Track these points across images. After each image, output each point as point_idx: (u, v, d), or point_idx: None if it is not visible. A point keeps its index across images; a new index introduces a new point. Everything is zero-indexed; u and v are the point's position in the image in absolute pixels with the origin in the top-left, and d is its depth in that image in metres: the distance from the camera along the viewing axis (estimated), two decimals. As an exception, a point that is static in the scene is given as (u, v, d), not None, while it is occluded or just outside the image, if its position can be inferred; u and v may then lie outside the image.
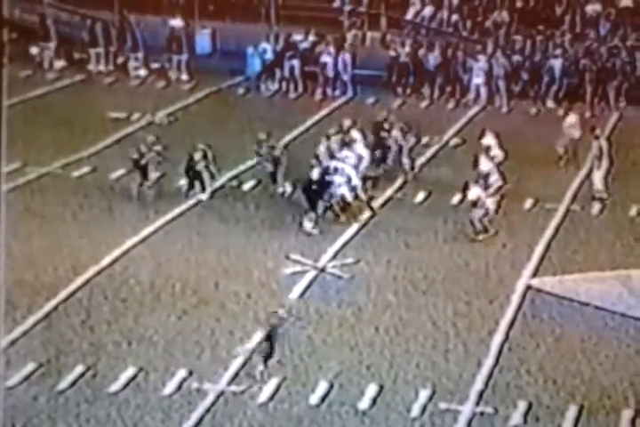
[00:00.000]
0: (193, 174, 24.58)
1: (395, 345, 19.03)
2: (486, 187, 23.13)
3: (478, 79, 32.25)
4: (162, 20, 34.81)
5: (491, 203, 23.15)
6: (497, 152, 25.36)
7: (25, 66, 33.38)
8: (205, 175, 24.60)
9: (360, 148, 24.94)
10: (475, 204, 22.97)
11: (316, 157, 24.69)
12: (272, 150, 25.19)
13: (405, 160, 25.85)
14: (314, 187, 23.16)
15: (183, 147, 25.48)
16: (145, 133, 26.05)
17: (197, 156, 24.44)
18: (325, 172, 23.41)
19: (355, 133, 25.39)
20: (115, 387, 17.54)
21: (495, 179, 23.37)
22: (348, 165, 23.69)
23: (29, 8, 35.31)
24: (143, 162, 24.73)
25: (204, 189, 24.58)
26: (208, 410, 17.07)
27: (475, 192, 22.94)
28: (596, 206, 25.05)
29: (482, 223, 22.97)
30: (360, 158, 24.52)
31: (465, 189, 23.23)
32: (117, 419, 16.73)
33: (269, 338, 17.76)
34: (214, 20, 35.61)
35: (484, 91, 32.30)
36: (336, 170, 23.45)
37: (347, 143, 24.96)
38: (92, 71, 33.89)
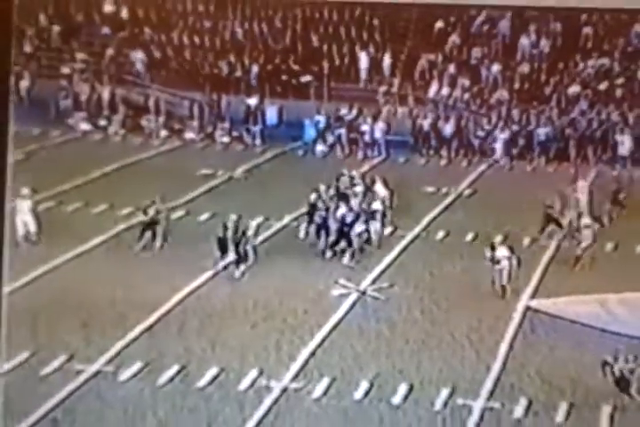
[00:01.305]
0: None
1: (421, 353, 18.95)
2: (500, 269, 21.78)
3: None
4: (240, 99, 35.25)
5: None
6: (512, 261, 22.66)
7: (138, 134, 33.73)
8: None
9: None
10: (498, 262, 21.75)
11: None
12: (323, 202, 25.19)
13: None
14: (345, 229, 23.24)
15: (256, 198, 25.48)
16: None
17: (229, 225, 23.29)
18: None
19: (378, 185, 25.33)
20: (202, 383, 17.54)
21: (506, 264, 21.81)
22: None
23: (143, 91, 35.88)
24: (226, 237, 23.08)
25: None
26: (274, 403, 17.02)
27: (502, 251, 21.79)
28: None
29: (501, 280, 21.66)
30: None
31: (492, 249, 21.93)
32: (204, 409, 16.71)
33: None
34: (281, 99, 35.95)
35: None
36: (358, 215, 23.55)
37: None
38: (188, 139, 34.11)
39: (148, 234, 23.38)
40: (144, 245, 23.07)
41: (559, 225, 24.75)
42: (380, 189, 25.23)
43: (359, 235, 23.25)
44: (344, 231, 23.24)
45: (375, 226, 23.75)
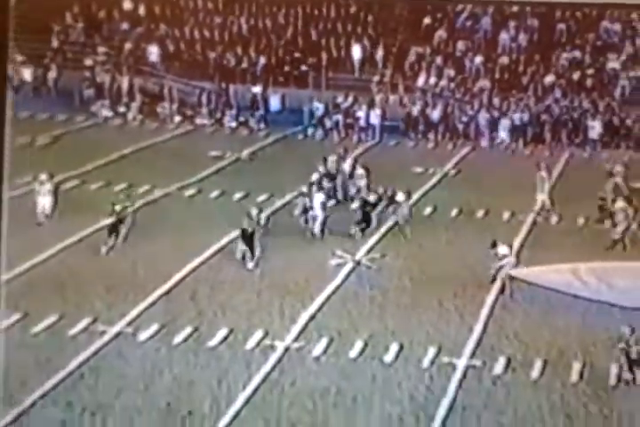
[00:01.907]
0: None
1: (411, 316, 18.91)
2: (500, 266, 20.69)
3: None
4: (246, 88, 35.15)
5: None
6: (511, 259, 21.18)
7: (154, 120, 33.60)
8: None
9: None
10: (502, 257, 20.69)
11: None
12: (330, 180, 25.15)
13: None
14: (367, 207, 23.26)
15: (260, 177, 25.33)
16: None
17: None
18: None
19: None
20: (212, 343, 17.51)
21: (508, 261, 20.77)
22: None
23: (158, 81, 35.81)
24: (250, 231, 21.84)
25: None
26: (278, 361, 17.00)
27: (503, 249, 20.83)
28: (554, 218, 24.86)
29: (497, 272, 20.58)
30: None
31: (494, 246, 20.89)
32: (215, 366, 16.70)
33: None
34: (283, 88, 35.82)
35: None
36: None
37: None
38: (199, 124, 34.00)
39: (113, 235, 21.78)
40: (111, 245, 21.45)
41: (611, 216, 24.12)
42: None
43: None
44: (365, 211, 23.27)
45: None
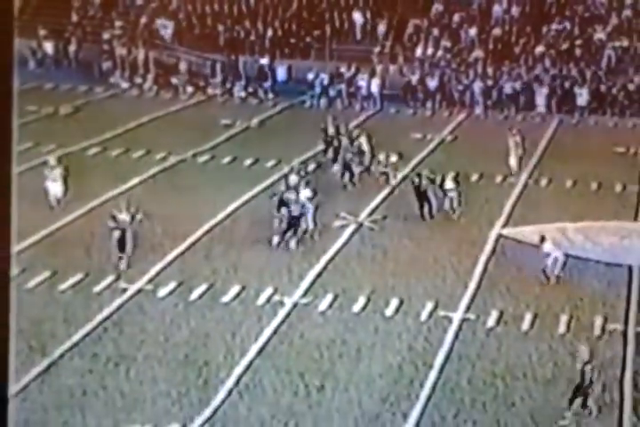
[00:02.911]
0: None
1: (410, 273, 19.00)
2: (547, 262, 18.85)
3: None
4: (255, 60, 35.00)
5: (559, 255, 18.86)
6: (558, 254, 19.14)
7: (168, 91, 33.57)
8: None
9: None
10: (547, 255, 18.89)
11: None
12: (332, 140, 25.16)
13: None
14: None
15: (269, 144, 25.23)
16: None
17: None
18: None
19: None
20: (226, 299, 17.59)
21: (555, 256, 18.89)
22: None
23: (172, 53, 35.71)
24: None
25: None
26: (287, 315, 17.10)
27: (548, 246, 18.98)
28: (544, 181, 24.89)
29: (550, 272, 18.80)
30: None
31: (542, 241, 19.06)
32: (228, 321, 16.81)
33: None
34: (289, 59, 35.67)
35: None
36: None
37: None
38: (210, 94, 33.91)
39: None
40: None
41: None
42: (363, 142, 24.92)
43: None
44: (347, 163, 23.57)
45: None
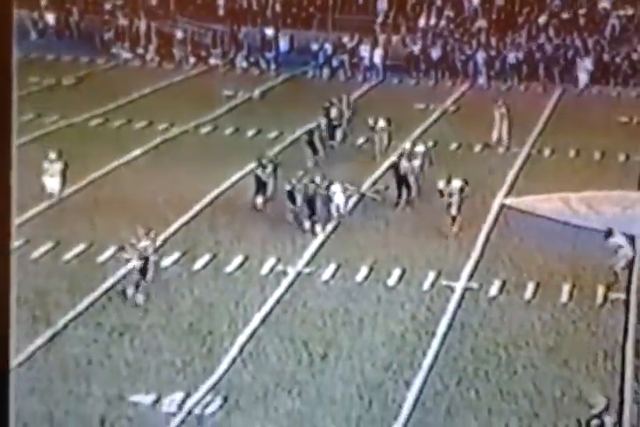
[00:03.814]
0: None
1: (412, 243, 18.96)
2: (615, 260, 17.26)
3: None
4: (257, 30, 34.80)
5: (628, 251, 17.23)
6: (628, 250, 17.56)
7: (171, 61, 33.45)
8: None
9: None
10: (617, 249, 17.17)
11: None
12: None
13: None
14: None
15: (271, 115, 25.05)
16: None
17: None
18: None
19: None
20: (230, 268, 17.61)
21: (625, 253, 17.32)
22: None
23: (175, 25, 35.57)
24: (264, 178, 20.28)
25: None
26: (290, 285, 17.12)
27: (617, 239, 17.22)
28: (547, 151, 24.76)
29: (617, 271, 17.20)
30: None
31: (608, 235, 17.32)
32: (232, 290, 16.84)
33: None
34: (292, 29, 35.45)
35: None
36: None
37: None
38: (212, 64, 33.75)
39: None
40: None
41: None
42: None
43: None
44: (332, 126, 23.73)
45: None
